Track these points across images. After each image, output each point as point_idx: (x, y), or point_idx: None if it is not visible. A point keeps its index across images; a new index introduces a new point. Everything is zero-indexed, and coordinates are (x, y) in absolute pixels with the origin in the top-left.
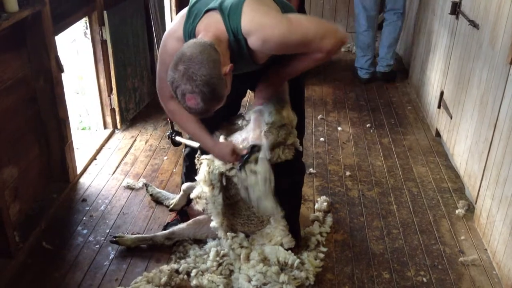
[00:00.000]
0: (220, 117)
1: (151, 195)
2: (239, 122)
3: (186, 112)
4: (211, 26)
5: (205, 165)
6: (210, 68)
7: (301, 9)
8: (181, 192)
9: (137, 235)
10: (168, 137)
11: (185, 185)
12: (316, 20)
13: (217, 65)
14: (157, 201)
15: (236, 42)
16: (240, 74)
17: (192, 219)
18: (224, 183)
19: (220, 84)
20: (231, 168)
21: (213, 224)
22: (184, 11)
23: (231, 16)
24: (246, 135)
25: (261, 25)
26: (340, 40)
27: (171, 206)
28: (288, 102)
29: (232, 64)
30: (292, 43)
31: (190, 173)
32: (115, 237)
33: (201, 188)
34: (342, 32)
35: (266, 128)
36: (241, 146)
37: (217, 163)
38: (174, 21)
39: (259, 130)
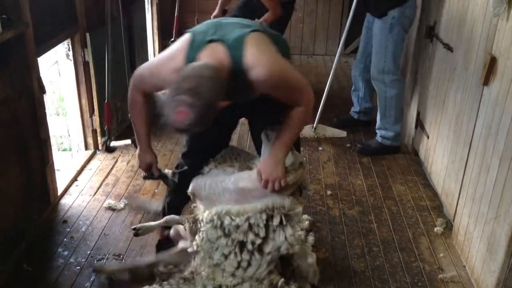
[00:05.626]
0: (210, 146)
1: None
2: (231, 158)
3: (142, 111)
4: (214, 54)
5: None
6: (216, 93)
7: (283, 22)
8: (162, 221)
9: (119, 267)
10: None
11: (170, 217)
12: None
13: (219, 95)
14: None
15: (237, 72)
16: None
17: (180, 249)
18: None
19: (212, 112)
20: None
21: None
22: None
23: (235, 47)
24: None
25: (263, 61)
26: (312, 99)
27: (138, 226)
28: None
29: (226, 102)
30: (287, 84)
31: (171, 209)
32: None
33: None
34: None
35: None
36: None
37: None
38: (175, 46)
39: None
